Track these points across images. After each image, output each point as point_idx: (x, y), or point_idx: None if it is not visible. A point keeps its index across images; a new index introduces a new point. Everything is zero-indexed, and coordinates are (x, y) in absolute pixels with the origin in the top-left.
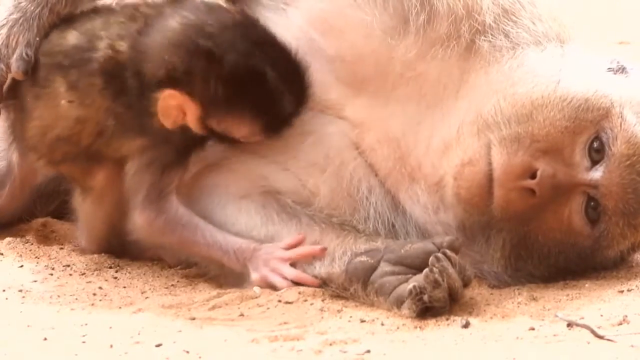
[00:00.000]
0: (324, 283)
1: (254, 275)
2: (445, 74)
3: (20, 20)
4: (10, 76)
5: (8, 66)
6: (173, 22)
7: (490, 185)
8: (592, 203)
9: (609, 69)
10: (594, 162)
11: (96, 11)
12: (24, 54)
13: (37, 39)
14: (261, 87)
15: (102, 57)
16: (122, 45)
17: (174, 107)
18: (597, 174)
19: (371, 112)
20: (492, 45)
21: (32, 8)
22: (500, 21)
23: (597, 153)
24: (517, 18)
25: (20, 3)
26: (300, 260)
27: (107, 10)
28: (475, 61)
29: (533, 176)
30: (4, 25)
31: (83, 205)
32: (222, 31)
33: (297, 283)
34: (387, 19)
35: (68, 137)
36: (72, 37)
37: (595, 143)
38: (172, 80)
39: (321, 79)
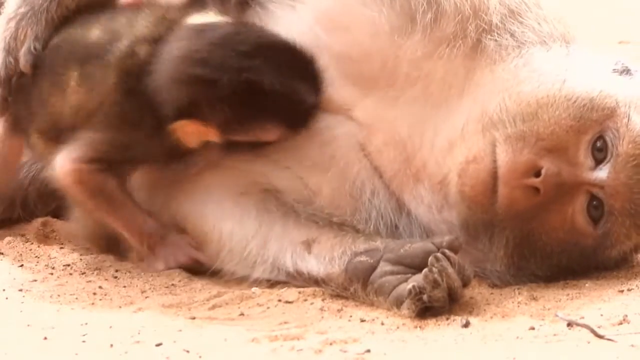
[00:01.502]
0: (323, 283)
1: (152, 260)
2: (451, 73)
3: (29, 14)
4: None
5: (17, 59)
6: (172, 54)
7: (494, 183)
8: (594, 202)
9: (614, 69)
10: (598, 162)
11: (123, 11)
12: (32, 48)
13: (46, 32)
14: (266, 93)
15: (121, 54)
16: (142, 49)
17: (193, 133)
18: (602, 173)
19: (379, 114)
20: (498, 45)
21: (41, 2)
22: (506, 21)
23: (601, 152)
24: (523, 18)
25: None
26: (189, 264)
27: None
28: (481, 60)
29: (537, 174)
30: (12, 18)
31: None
32: (212, 53)
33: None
34: (394, 18)
35: (72, 124)
36: (95, 33)
37: (599, 142)
38: (182, 113)
39: (329, 77)
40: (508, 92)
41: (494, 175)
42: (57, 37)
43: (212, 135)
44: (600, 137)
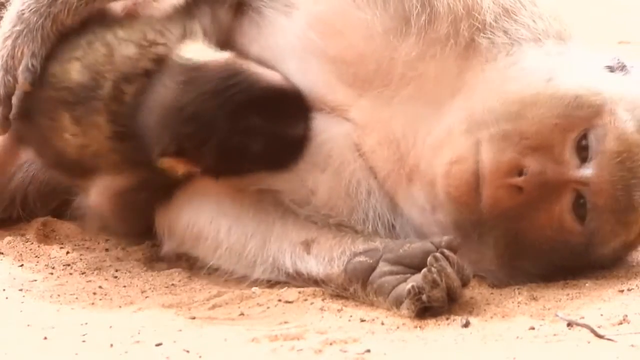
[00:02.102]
0: (323, 283)
1: None
2: (444, 73)
3: (24, 32)
4: (17, 88)
5: (15, 78)
6: (161, 102)
7: (478, 183)
8: (581, 200)
9: (608, 66)
10: (584, 159)
11: (96, 30)
12: (29, 65)
13: (43, 49)
14: (255, 152)
15: (107, 96)
16: (128, 89)
17: (181, 167)
18: (587, 171)
19: (374, 114)
20: (491, 42)
21: (35, 19)
22: (500, 20)
23: (586, 150)
24: (518, 16)
25: (23, 14)
26: None
27: (110, 32)
28: (474, 59)
29: (521, 173)
30: (8, 37)
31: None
32: (202, 108)
33: None
34: (387, 20)
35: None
36: (75, 72)
37: (584, 140)
38: (169, 153)
39: (324, 80)
40: (494, 92)
41: (477, 176)
42: (42, 76)
43: (201, 168)
44: (585, 135)
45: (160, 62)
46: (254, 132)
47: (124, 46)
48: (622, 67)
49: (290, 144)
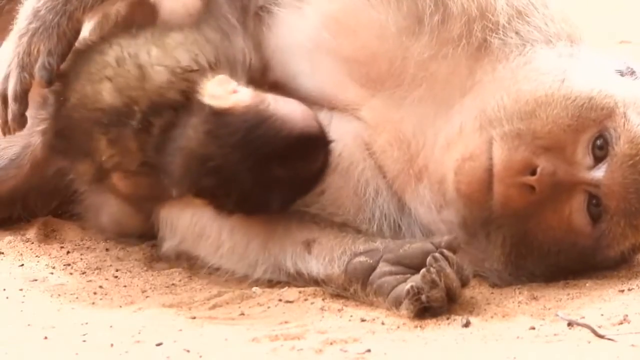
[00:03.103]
0: (323, 283)
1: None
2: (454, 73)
3: (40, 29)
4: (34, 85)
5: (32, 75)
6: (185, 149)
7: (490, 180)
8: (593, 201)
9: (617, 70)
10: (596, 161)
11: (123, 44)
12: (46, 63)
13: (59, 47)
14: (275, 201)
15: (137, 125)
16: (157, 120)
17: (197, 201)
18: (599, 173)
19: (385, 114)
20: (503, 43)
21: (51, 17)
22: (513, 21)
23: (599, 152)
24: (530, 18)
25: (39, 11)
26: None
27: (143, 49)
28: (485, 59)
29: (533, 173)
30: (24, 34)
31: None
32: (226, 161)
33: None
34: (400, 19)
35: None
36: (107, 94)
37: (597, 142)
38: (189, 192)
39: (336, 79)
40: (507, 91)
41: (489, 173)
42: (71, 95)
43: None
44: (600, 136)
45: (188, 95)
46: (275, 183)
47: (156, 72)
48: (632, 72)
49: (310, 179)
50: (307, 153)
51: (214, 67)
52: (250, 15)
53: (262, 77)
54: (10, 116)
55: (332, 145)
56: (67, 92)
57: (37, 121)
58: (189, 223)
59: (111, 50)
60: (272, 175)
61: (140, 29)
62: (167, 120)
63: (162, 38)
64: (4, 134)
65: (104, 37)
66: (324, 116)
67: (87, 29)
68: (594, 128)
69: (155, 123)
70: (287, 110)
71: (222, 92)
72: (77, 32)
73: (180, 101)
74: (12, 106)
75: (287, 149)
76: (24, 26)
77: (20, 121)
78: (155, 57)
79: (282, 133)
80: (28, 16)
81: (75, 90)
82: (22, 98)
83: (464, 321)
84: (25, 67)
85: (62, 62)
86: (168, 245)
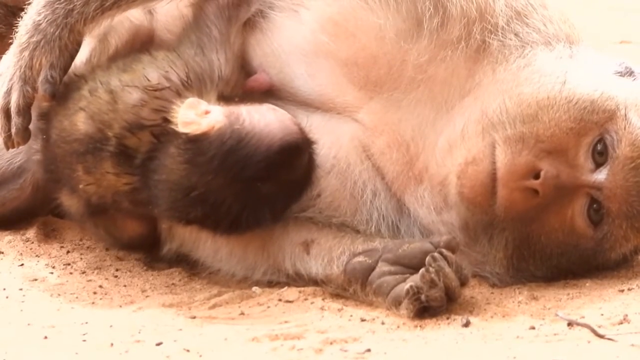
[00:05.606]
0: (323, 283)
1: None
2: (453, 75)
3: (42, 43)
4: (37, 99)
5: (35, 88)
6: (166, 180)
7: (493, 184)
8: (594, 205)
9: (616, 71)
10: (598, 164)
11: (98, 75)
12: (49, 77)
13: (61, 60)
14: (265, 215)
15: (114, 149)
16: (133, 144)
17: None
18: (600, 176)
19: (384, 116)
20: (502, 45)
21: (52, 30)
22: (512, 23)
23: (600, 155)
24: (529, 20)
25: (40, 24)
26: None
27: (115, 76)
28: (484, 61)
29: (537, 176)
30: (25, 48)
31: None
32: (209, 188)
33: None
34: (399, 22)
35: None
36: (81, 123)
37: (599, 145)
38: (179, 223)
39: (334, 82)
40: (508, 93)
41: (493, 177)
42: (52, 132)
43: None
44: (601, 139)
45: (164, 115)
46: (265, 199)
47: (126, 93)
48: (631, 73)
49: (300, 185)
50: (291, 162)
51: (185, 84)
52: (235, 25)
53: (236, 88)
54: (14, 130)
55: (315, 144)
56: (48, 131)
57: (33, 151)
58: (184, 229)
59: (86, 85)
60: (259, 193)
61: (112, 61)
62: (145, 145)
63: (132, 64)
64: (8, 148)
65: (82, 75)
66: (321, 119)
67: (80, 58)
68: (595, 131)
69: (131, 146)
70: (263, 122)
71: (194, 116)
72: (79, 44)
73: (157, 123)
74: (15, 120)
75: (270, 165)
76: (24, 39)
77: (24, 135)
78: (125, 81)
79: (262, 149)
80: (29, 29)
81: (54, 127)
82: (25, 112)
83: (464, 321)
84: (27, 80)
85: (65, 74)
86: (167, 248)
